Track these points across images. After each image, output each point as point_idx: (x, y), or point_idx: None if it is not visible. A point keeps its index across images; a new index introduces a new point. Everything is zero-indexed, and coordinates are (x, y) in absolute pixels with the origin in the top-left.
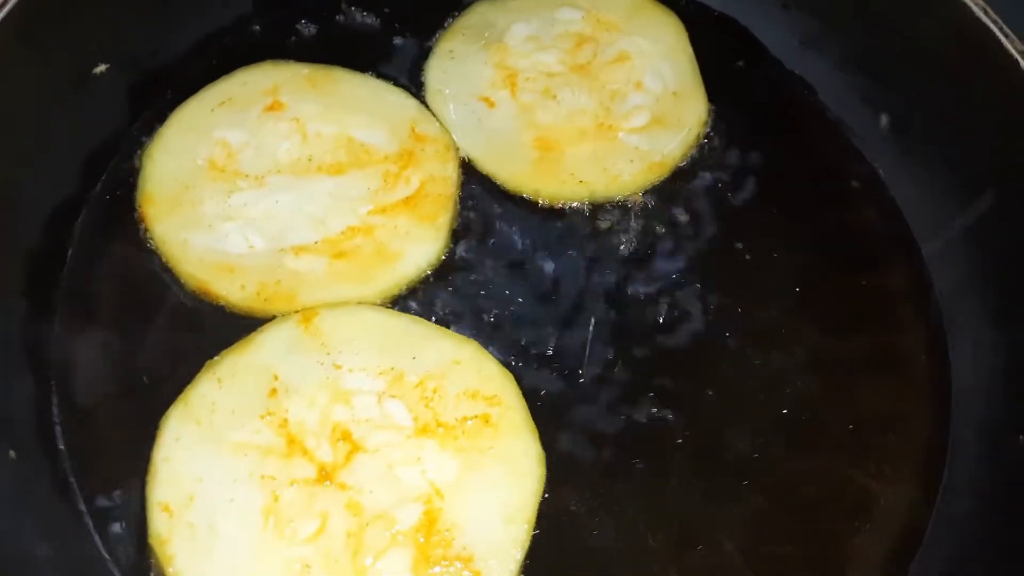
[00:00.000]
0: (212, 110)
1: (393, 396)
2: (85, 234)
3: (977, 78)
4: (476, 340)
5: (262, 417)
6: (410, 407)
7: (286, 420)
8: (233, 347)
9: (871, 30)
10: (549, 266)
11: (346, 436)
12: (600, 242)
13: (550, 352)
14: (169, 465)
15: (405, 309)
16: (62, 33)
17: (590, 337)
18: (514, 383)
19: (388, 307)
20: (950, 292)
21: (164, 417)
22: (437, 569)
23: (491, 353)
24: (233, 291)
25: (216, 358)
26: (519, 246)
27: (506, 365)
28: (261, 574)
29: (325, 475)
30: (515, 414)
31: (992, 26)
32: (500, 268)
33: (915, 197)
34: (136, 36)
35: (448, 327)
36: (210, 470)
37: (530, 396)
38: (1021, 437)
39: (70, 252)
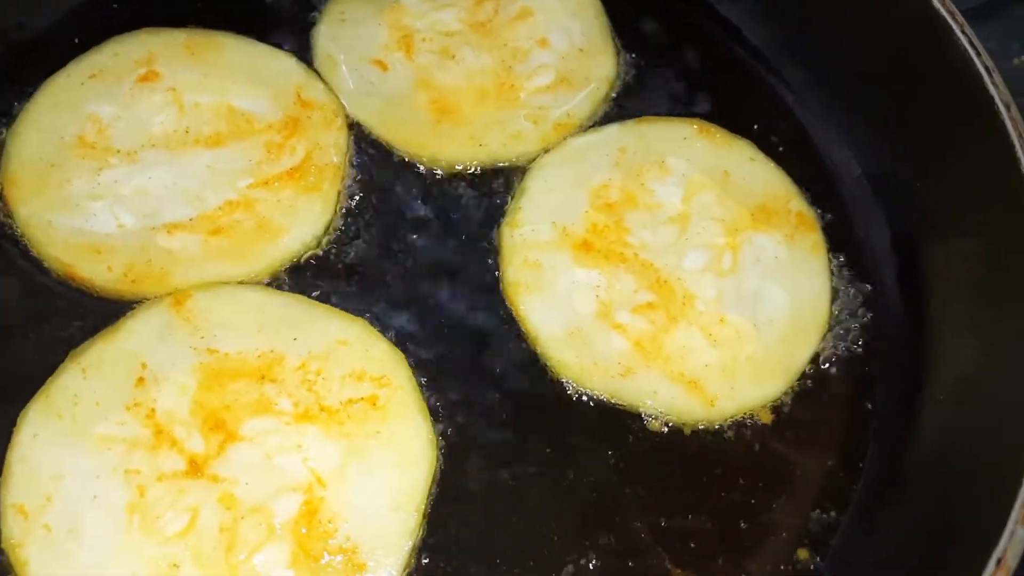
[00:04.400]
0: (82, 83)
1: (271, 381)
2: None
3: None
4: (364, 318)
5: (128, 408)
6: (290, 392)
7: (153, 410)
8: (99, 335)
9: None
10: (444, 237)
11: (219, 425)
12: (495, 210)
13: (445, 329)
14: (26, 464)
15: (289, 288)
16: None
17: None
18: (404, 363)
19: (270, 286)
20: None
21: (22, 412)
22: (321, 562)
23: (380, 332)
24: (99, 273)
25: (81, 347)
26: (412, 216)
27: (396, 344)
28: (124, 575)
29: (196, 467)
30: (405, 395)
31: None
32: (392, 240)
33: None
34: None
35: (334, 305)
36: (71, 467)
37: (422, 376)
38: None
39: None
